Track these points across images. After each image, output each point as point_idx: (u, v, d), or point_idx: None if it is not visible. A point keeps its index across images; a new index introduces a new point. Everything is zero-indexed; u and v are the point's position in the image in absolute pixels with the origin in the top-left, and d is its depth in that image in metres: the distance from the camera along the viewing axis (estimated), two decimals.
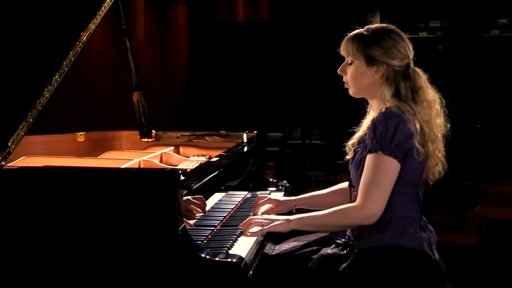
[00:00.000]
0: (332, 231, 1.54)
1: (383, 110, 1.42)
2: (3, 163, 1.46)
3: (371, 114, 1.55)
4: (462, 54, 8.65)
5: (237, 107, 9.24)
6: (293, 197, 1.74)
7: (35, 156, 1.88)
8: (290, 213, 1.69)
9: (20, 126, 1.50)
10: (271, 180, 2.22)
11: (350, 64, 1.49)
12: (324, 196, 1.70)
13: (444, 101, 1.49)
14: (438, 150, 1.44)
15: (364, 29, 1.50)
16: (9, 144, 1.47)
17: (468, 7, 9.80)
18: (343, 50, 1.51)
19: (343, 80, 1.53)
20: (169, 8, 9.26)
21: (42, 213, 1.35)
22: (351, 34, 1.50)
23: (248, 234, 1.47)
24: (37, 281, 1.36)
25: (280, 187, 2.14)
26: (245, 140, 2.28)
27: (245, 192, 1.98)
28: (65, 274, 1.34)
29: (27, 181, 1.38)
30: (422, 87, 1.46)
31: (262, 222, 1.48)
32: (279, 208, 1.71)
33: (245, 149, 2.16)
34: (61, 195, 1.34)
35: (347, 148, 1.56)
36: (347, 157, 1.55)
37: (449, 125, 1.49)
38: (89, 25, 1.74)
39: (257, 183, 2.18)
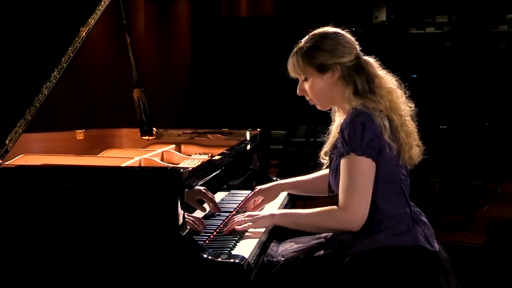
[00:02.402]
0: (316, 232, 1.52)
1: (349, 112, 1.40)
2: (0, 161, 1.45)
3: (337, 121, 1.54)
4: (470, 50, 8.60)
5: (240, 104, 9.22)
6: (280, 181, 1.74)
7: (33, 154, 1.86)
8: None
9: (18, 124, 1.50)
10: (274, 178, 2.19)
11: (305, 80, 1.47)
12: (311, 181, 1.71)
13: (402, 83, 1.48)
14: (409, 134, 1.42)
15: (302, 43, 1.49)
16: (7, 142, 1.47)
17: (476, 2, 9.73)
18: (292, 72, 1.50)
19: (307, 99, 1.51)
20: (171, 3, 9.21)
21: (41, 213, 1.34)
22: (291, 54, 1.49)
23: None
24: (36, 282, 1.34)
25: None
26: (248, 138, 2.26)
27: (248, 191, 1.96)
28: (65, 275, 1.33)
29: (25, 180, 1.37)
30: (377, 75, 1.45)
31: (245, 220, 1.46)
32: (269, 197, 1.71)
33: (248, 147, 2.14)
34: (60, 194, 1.33)
35: (320, 158, 1.55)
36: (324, 166, 1.55)
37: (413, 105, 1.47)
38: (89, 20, 1.73)
39: (260, 182, 2.14)
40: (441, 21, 10.03)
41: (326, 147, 1.55)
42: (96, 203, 1.31)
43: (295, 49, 1.48)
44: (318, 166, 1.62)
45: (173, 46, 9.26)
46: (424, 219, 1.46)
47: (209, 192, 1.59)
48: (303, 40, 1.49)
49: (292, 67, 1.48)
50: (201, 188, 1.55)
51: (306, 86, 1.47)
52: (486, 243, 2.96)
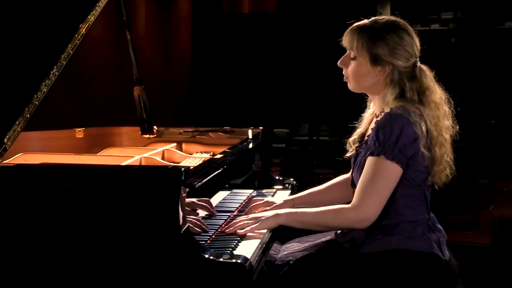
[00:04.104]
0: (323, 230, 1.50)
1: (387, 110, 1.37)
2: None
3: (372, 109, 1.50)
4: (475, 47, 8.55)
5: (242, 102, 9.21)
6: (291, 197, 1.68)
7: (32, 153, 1.84)
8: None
9: (17, 122, 1.49)
10: (277, 178, 2.18)
11: (353, 58, 1.41)
12: (324, 192, 1.66)
13: (452, 101, 1.43)
14: (446, 155, 1.39)
15: (371, 21, 1.41)
16: (5, 140, 1.46)
17: None
18: (346, 42, 1.42)
19: (343, 73, 1.46)
20: None
21: (40, 212, 1.32)
22: (356, 25, 1.41)
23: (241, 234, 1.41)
24: (35, 282, 1.33)
25: (287, 185, 2.11)
26: (250, 137, 2.25)
27: (250, 191, 1.95)
28: (64, 275, 1.31)
29: (24, 179, 1.35)
30: (429, 87, 1.39)
31: (248, 223, 1.43)
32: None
33: (250, 145, 2.13)
34: (59, 193, 1.31)
35: (347, 145, 1.51)
36: (348, 154, 1.51)
37: (457, 127, 1.44)
38: (88, 16, 1.72)
39: (262, 181, 2.14)
40: (446, 17, 9.95)
41: (355, 135, 1.51)
42: (96, 202, 1.30)
43: (362, 24, 1.40)
44: (320, 165, 1.59)
45: (174, 43, 9.22)
46: (439, 226, 1.44)
47: (200, 201, 1.55)
48: (373, 19, 1.41)
49: (350, 39, 1.40)
50: (191, 199, 1.51)
51: (351, 64, 1.41)
52: (492, 243, 2.93)
